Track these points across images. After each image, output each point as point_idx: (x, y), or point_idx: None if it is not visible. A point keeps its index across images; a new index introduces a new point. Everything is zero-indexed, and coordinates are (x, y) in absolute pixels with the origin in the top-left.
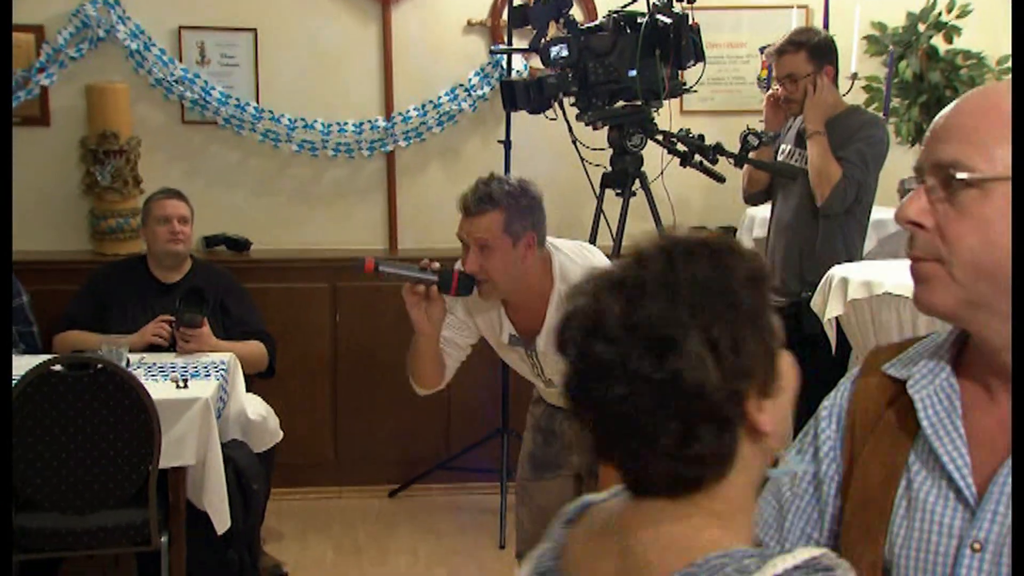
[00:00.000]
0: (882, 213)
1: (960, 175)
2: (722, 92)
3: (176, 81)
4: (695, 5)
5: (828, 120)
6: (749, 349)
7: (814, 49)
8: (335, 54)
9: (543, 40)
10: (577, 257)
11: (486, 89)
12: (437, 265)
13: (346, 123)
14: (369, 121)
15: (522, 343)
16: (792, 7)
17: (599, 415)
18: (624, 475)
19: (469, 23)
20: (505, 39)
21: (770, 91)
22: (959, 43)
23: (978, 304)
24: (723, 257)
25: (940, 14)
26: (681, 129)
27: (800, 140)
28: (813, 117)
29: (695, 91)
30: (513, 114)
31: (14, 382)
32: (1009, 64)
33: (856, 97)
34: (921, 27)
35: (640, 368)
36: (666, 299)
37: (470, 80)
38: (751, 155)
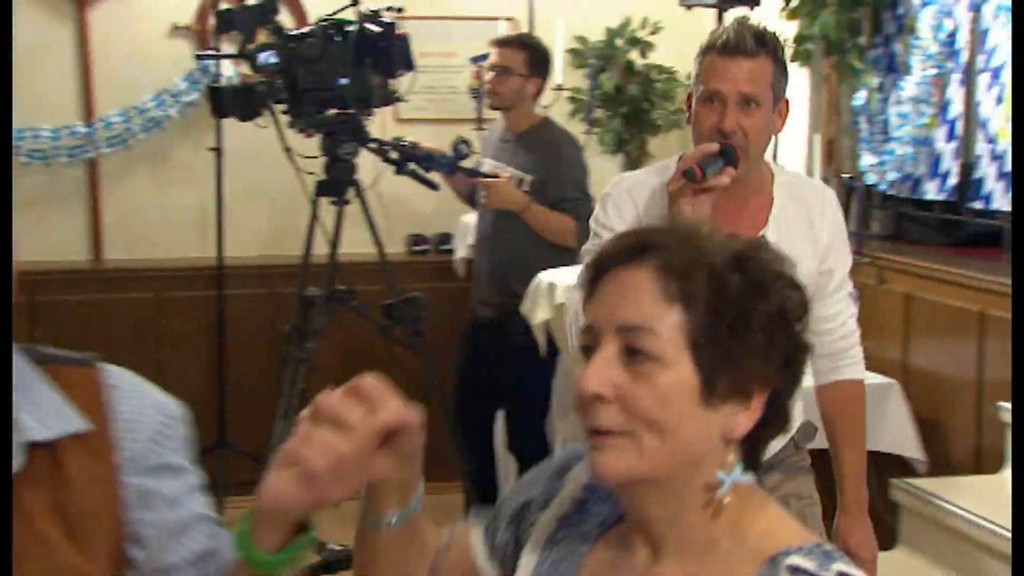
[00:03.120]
0: None
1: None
2: (436, 101)
3: None
4: (404, 15)
5: (523, 133)
6: None
7: (534, 56)
8: (25, 55)
9: (249, 46)
10: None
11: (195, 95)
12: (715, 146)
13: (41, 128)
14: (67, 126)
15: None
16: (499, 19)
17: None
18: None
19: (175, 27)
20: (212, 44)
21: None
22: (653, 58)
23: None
24: None
25: (635, 30)
26: (395, 137)
27: (500, 153)
28: (509, 204)
29: (407, 100)
30: (225, 121)
31: None
32: None
33: (561, 108)
34: (619, 42)
35: None
36: None
37: (177, 85)
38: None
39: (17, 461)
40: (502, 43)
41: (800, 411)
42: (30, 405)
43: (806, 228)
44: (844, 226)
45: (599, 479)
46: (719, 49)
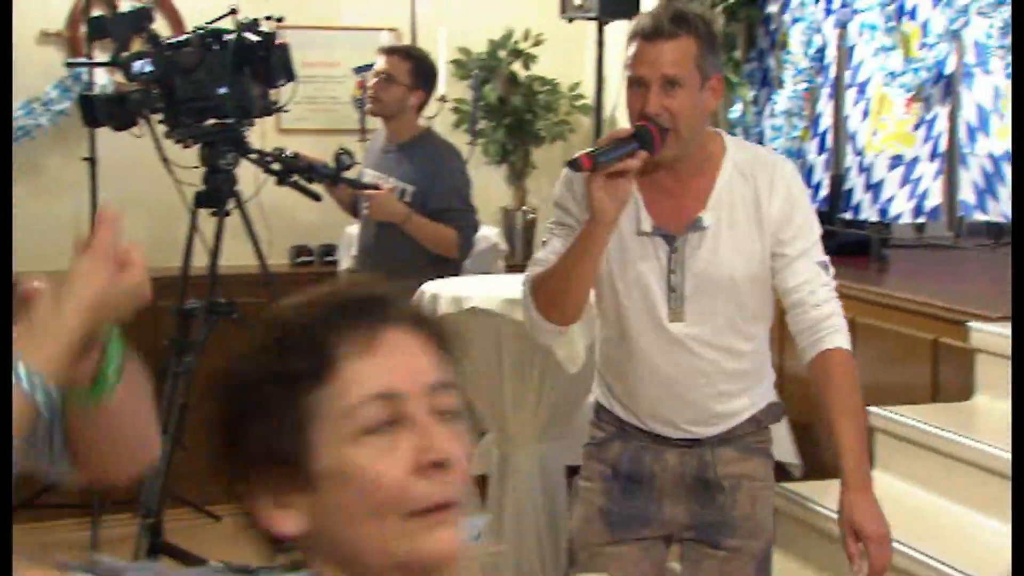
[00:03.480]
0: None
1: None
2: (319, 111)
3: None
4: (285, 24)
5: (405, 143)
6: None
7: (419, 68)
8: None
9: (123, 54)
10: None
11: (66, 103)
12: (625, 131)
13: None
14: None
15: (664, 237)
16: (382, 29)
17: None
18: None
19: (44, 33)
20: (85, 51)
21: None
22: (536, 70)
23: None
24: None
25: (517, 42)
26: (276, 148)
27: (382, 164)
28: (391, 215)
29: (288, 110)
30: (99, 130)
31: None
32: (579, 91)
33: (445, 118)
34: (502, 53)
35: None
36: None
37: (47, 94)
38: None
39: None
40: (389, 51)
41: (770, 390)
42: None
43: (752, 208)
44: (803, 195)
45: (447, 562)
46: (640, 34)
